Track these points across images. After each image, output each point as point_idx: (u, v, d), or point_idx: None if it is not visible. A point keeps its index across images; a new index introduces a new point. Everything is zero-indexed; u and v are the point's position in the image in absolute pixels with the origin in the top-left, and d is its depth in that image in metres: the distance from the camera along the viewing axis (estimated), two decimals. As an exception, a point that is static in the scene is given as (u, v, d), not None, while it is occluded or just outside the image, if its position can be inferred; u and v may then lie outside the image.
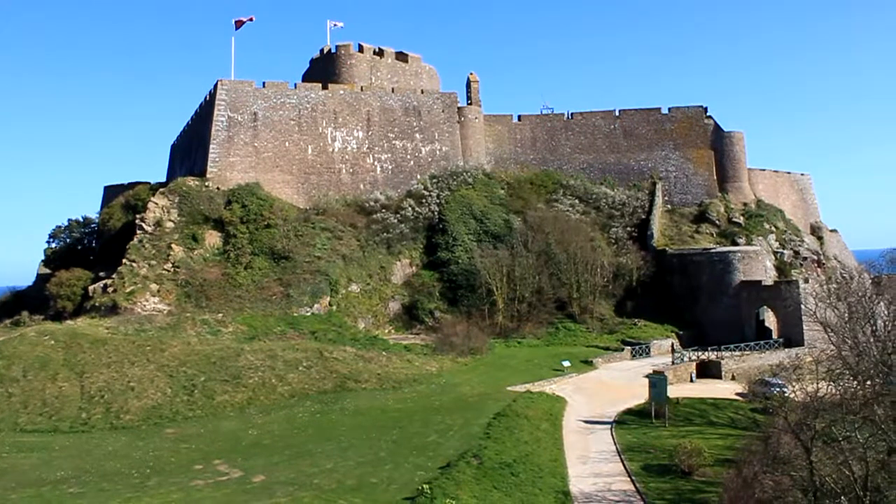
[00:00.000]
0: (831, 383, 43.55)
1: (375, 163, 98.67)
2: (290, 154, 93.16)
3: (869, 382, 41.29)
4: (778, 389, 56.64)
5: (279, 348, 64.31)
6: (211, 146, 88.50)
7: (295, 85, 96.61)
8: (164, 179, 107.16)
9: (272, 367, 59.96)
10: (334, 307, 79.45)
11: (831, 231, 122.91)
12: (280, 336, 70.29)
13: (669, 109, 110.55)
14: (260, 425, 49.34)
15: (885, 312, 57.52)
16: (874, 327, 52.51)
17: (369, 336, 75.84)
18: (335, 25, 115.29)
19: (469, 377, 64.06)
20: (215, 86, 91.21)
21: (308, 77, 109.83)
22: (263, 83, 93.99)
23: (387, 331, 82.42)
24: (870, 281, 73.84)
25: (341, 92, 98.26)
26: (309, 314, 76.38)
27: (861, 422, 34.83)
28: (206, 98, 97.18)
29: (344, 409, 53.23)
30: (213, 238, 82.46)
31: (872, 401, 36.83)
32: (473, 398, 55.93)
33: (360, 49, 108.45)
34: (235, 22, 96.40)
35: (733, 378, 68.34)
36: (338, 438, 45.07)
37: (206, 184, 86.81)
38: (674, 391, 57.69)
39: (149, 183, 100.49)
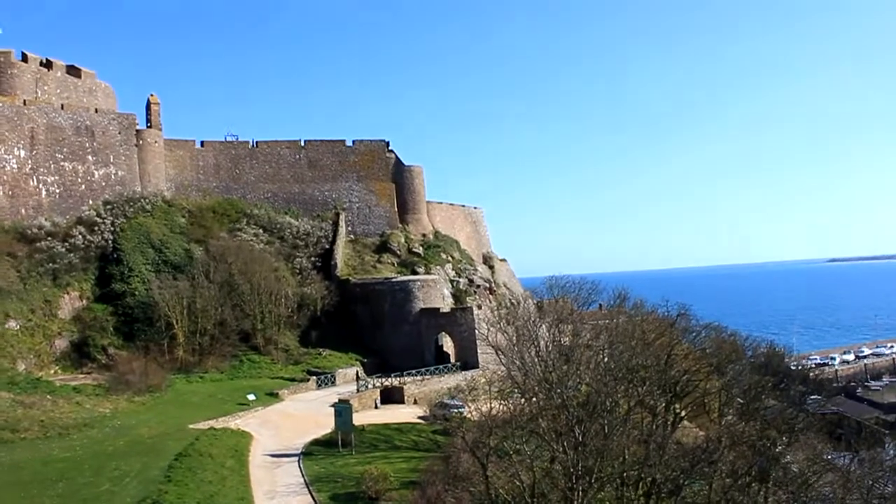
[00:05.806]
0: (503, 402, 48.00)
1: (40, 186, 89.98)
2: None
3: (534, 399, 45.89)
4: (456, 410, 60.96)
5: (-85, 399, 55.95)
6: None
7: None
8: None
9: None
10: (-13, 347, 70.94)
11: (501, 260, 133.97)
12: (-83, 384, 61.24)
13: (354, 142, 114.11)
14: None
15: (547, 334, 64.76)
16: (538, 348, 58.60)
17: (31, 378, 68.51)
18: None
19: (147, 417, 60.70)
20: None
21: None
22: None
23: (53, 371, 75.15)
24: (534, 306, 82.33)
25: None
26: (-45, 357, 67.50)
27: (528, 435, 38.80)
28: None
29: (-2, 464, 47.68)
30: None
31: (538, 415, 41.21)
32: (152, 439, 53.07)
33: (24, 58, 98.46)
34: None
35: (416, 402, 71.95)
36: (-12, 500, 40.32)
37: None
38: (359, 418, 59.17)
39: None
